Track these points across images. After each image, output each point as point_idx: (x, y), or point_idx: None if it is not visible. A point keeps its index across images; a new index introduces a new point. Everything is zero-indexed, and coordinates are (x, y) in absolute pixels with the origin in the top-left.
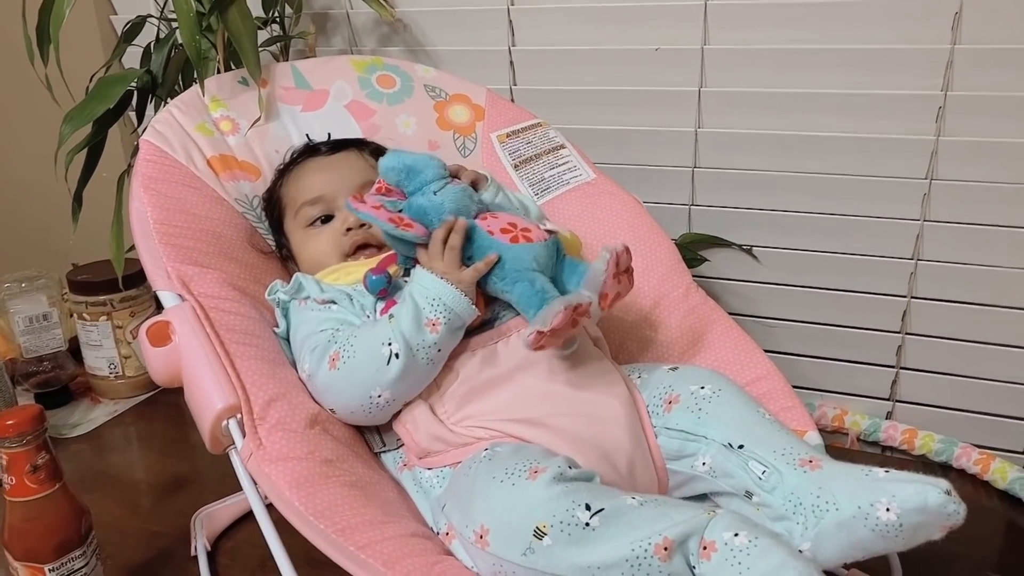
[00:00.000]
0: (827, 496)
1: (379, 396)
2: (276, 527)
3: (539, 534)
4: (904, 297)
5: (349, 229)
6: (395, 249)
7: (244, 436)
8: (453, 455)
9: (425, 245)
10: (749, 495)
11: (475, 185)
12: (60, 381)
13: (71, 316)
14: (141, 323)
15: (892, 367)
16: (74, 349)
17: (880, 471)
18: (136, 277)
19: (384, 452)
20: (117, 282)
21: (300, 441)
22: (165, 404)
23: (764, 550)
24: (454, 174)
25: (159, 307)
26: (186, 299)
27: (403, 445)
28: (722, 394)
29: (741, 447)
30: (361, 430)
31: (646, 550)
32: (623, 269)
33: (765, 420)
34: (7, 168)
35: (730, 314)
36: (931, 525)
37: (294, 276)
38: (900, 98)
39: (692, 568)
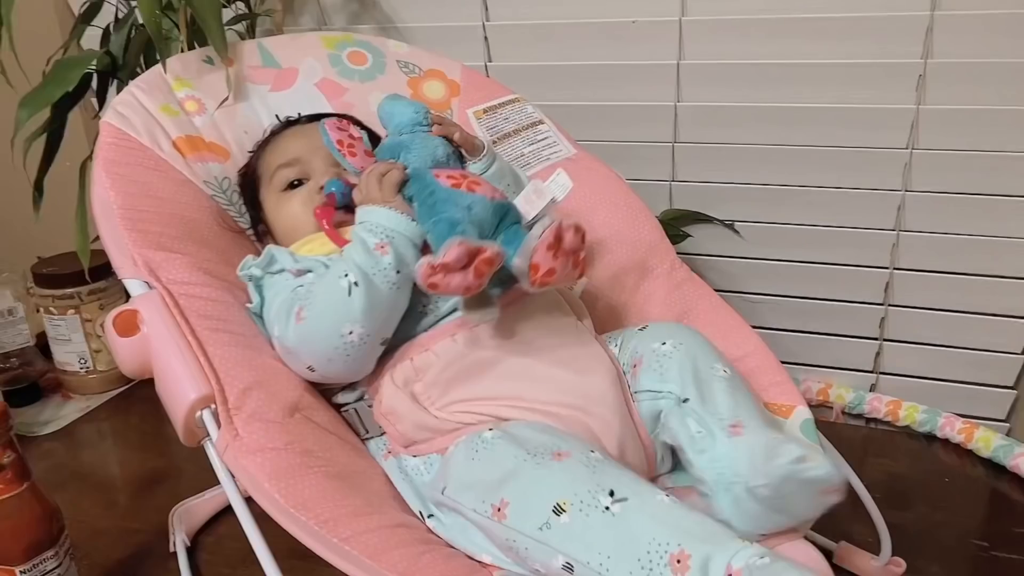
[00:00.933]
0: (733, 470)
1: (351, 333)
2: (258, 520)
3: (558, 510)
4: (887, 269)
5: (322, 188)
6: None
7: (219, 427)
8: (439, 442)
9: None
10: (682, 450)
11: (466, 148)
12: (29, 378)
13: (38, 311)
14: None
15: (876, 339)
16: (42, 345)
17: (779, 441)
18: (104, 269)
19: (368, 439)
20: (84, 274)
21: (279, 431)
22: (139, 398)
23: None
24: (440, 124)
25: (129, 297)
26: (154, 286)
27: (385, 433)
28: (682, 348)
29: (686, 401)
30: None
31: (661, 556)
32: (568, 249)
33: (717, 377)
34: None
35: (713, 290)
36: (804, 491)
37: (266, 249)
38: (880, 67)
39: None
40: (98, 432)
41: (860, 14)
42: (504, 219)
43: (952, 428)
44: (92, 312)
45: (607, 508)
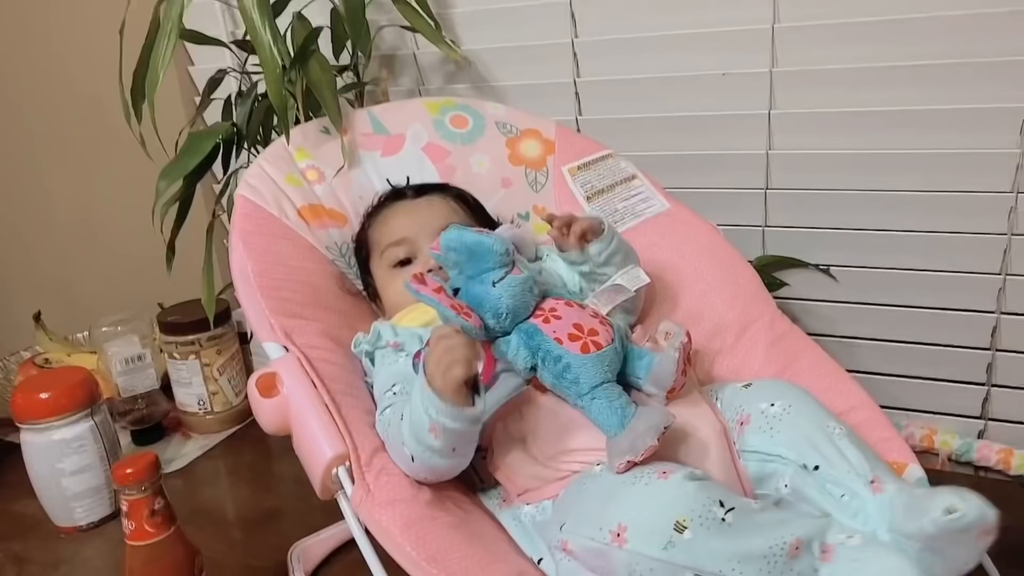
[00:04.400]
0: (885, 527)
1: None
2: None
3: (679, 528)
4: (993, 313)
5: (429, 271)
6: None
7: (353, 483)
8: (551, 488)
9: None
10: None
11: (591, 236)
12: (154, 418)
13: (161, 352)
14: (227, 360)
15: (983, 384)
16: (164, 385)
17: (922, 497)
18: (221, 317)
19: (481, 490)
20: (204, 322)
21: (406, 483)
22: (251, 438)
23: (878, 551)
24: (555, 222)
25: (243, 343)
26: (290, 350)
27: (500, 484)
28: (792, 411)
29: (816, 468)
30: None
31: (782, 548)
32: (688, 358)
33: (835, 435)
34: (97, 218)
35: (810, 335)
36: (960, 540)
37: (372, 326)
38: (980, 111)
39: (815, 571)
40: (215, 470)
41: (958, 60)
42: (622, 343)
43: None
44: (210, 357)
45: (723, 519)
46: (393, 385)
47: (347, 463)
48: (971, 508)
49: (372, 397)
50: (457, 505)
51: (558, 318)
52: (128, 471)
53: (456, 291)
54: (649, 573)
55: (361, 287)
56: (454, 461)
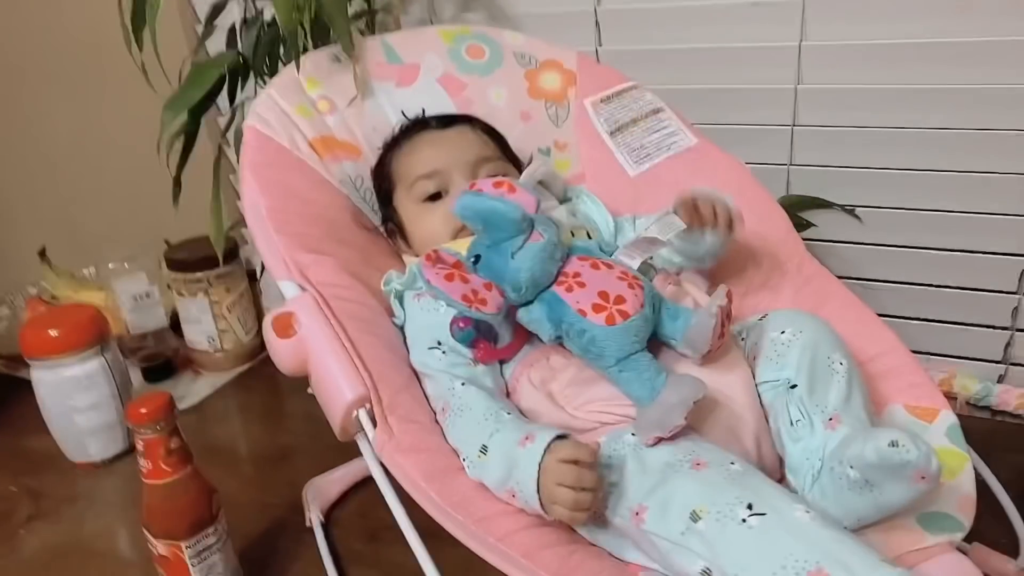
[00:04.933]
0: (822, 456)
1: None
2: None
3: (695, 517)
4: (1021, 256)
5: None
6: None
7: (375, 426)
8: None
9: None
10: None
11: (732, 224)
12: (163, 356)
13: (169, 288)
14: (237, 298)
15: (1007, 329)
16: (174, 323)
17: (875, 428)
18: (229, 253)
19: None
20: (213, 259)
21: (429, 434)
22: (262, 376)
23: None
24: (698, 205)
25: (251, 280)
26: (306, 288)
27: None
28: (802, 336)
29: (794, 387)
30: None
31: (798, 573)
32: (726, 318)
33: (833, 370)
34: (100, 151)
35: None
36: (896, 476)
37: (408, 268)
38: (1018, 44)
39: None
40: (227, 408)
41: None
42: (654, 301)
43: None
44: (219, 295)
45: (743, 520)
46: (439, 344)
47: (367, 405)
48: (918, 448)
49: (399, 336)
50: None
51: (582, 285)
52: (143, 411)
53: (478, 258)
54: (667, 552)
55: (379, 222)
56: None
